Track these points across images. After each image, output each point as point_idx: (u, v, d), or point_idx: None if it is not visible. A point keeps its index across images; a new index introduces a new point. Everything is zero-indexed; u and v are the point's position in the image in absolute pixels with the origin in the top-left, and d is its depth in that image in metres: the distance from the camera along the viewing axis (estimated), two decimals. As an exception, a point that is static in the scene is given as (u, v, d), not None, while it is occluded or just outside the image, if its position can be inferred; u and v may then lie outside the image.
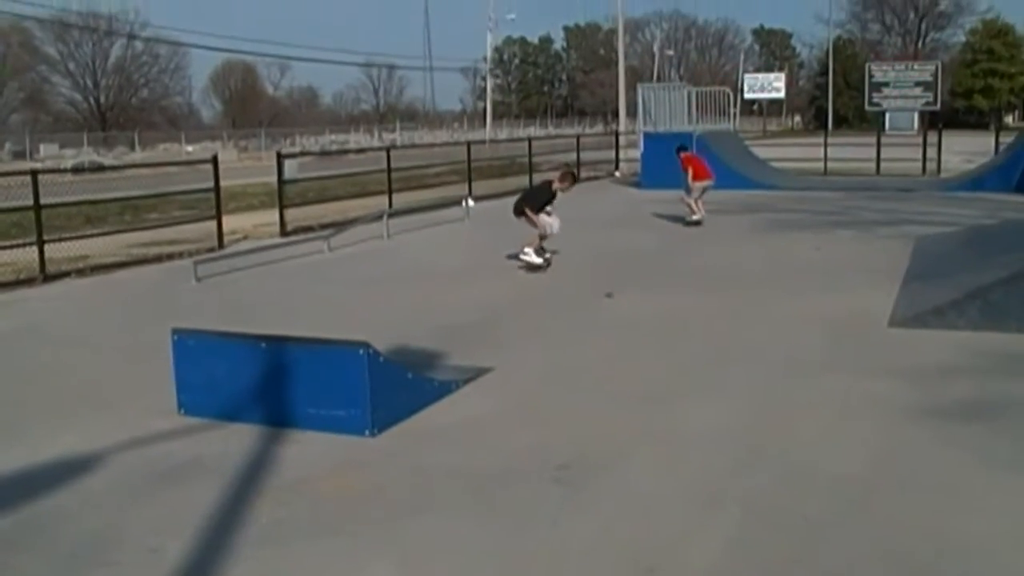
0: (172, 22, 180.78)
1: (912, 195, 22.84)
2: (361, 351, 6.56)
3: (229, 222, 19.44)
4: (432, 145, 43.22)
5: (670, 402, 7.22)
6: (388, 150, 21.81)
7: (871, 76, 37.83)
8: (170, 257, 15.32)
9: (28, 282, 13.19)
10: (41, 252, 13.44)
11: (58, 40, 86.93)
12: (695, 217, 18.09)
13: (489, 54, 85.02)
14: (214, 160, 16.80)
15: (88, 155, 56.37)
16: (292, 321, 9.90)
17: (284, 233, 17.82)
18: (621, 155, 33.44)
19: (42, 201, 13.70)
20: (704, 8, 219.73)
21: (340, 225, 17.39)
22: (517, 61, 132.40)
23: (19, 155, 63.26)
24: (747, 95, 71.20)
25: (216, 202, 16.41)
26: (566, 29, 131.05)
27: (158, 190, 20.87)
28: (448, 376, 7.86)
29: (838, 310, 10.17)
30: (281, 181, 18.04)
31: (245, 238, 17.95)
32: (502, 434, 6.65)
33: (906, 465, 5.88)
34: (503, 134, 72.78)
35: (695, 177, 18.25)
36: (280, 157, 18.26)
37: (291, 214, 18.51)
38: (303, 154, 34.44)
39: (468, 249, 16.24)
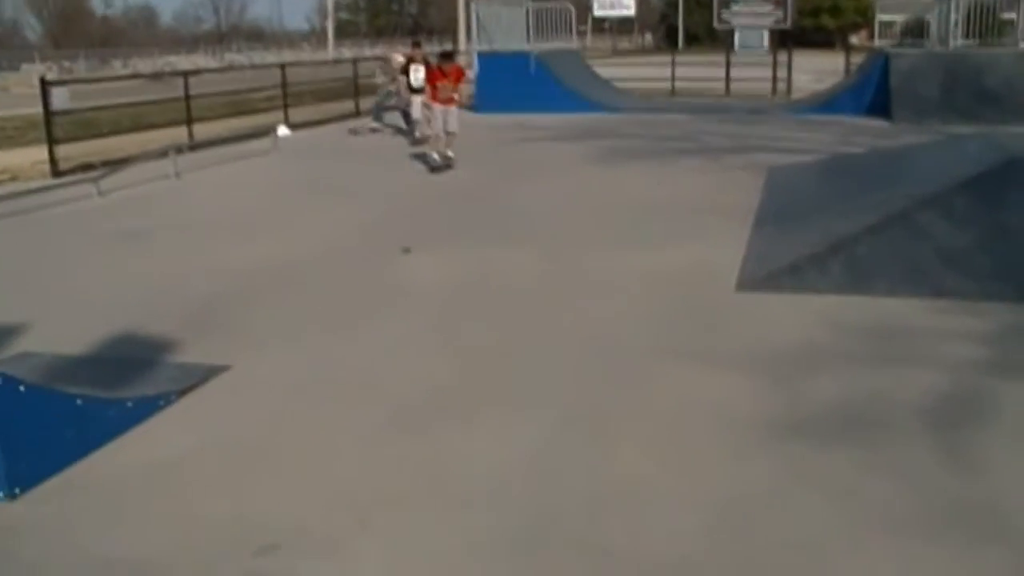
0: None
1: (763, 117, 21.42)
2: (-13, 378, 4.49)
3: (8, 157, 17.00)
4: (257, 67, 39.82)
5: (447, 423, 5.31)
6: (185, 75, 19.11)
7: (720, -8, 36.24)
8: None
9: None
10: None
11: None
12: (434, 155, 14.54)
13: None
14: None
15: None
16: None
17: (57, 173, 15.26)
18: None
19: None
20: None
21: (117, 164, 14.93)
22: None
23: None
24: (597, 13, 69.08)
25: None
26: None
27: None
28: (161, 385, 5.84)
29: (676, 266, 8.44)
30: (48, 112, 15.35)
31: (13, 179, 15.35)
32: (199, 487, 4.66)
33: (754, 529, 4.13)
34: (349, 54, 69.22)
35: (432, 96, 14.67)
36: (44, 84, 15.53)
37: (75, 149, 15.98)
38: (78, 80, 31.11)
39: (262, 190, 13.96)
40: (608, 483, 4.58)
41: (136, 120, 19.70)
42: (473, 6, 25.24)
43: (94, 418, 5.02)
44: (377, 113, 20.37)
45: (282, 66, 22.70)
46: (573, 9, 25.38)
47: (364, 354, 6.54)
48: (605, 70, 29.24)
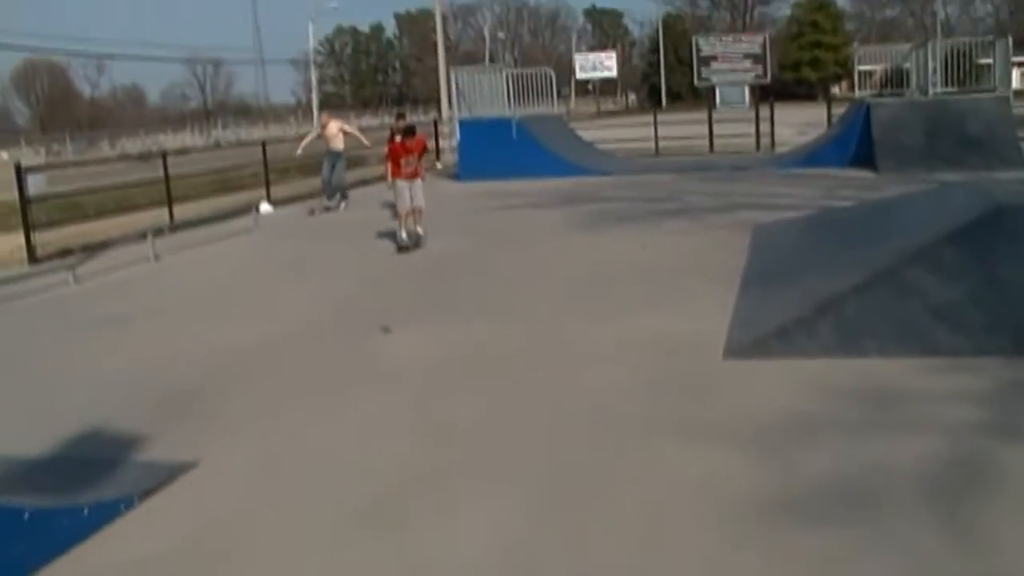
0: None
1: (747, 173, 21.31)
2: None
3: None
4: (243, 143, 39.97)
5: (423, 512, 5.04)
6: (164, 156, 18.94)
7: (699, 50, 36.44)
8: None
9: None
10: None
11: None
12: (403, 233, 13.94)
13: (312, 45, 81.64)
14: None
15: None
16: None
17: (34, 260, 15.06)
18: (445, 144, 31.20)
19: None
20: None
21: (95, 248, 14.75)
22: (349, 50, 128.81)
23: None
24: (579, 75, 69.82)
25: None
26: (397, 16, 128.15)
27: None
28: (122, 487, 5.58)
29: (662, 334, 8.20)
30: (24, 200, 15.15)
31: (-9, 267, 15.14)
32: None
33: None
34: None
35: (394, 172, 14.06)
36: (20, 171, 15.34)
37: (55, 234, 15.87)
38: (57, 165, 30.96)
39: (241, 270, 13.72)
40: (591, 571, 4.31)
41: (120, 202, 19.50)
42: (453, 75, 25.25)
43: (45, 529, 4.75)
44: (329, 190, 19.71)
45: (263, 143, 22.47)
46: (553, 73, 25.40)
47: (339, 439, 6.30)
48: (589, 132, 29.26)
